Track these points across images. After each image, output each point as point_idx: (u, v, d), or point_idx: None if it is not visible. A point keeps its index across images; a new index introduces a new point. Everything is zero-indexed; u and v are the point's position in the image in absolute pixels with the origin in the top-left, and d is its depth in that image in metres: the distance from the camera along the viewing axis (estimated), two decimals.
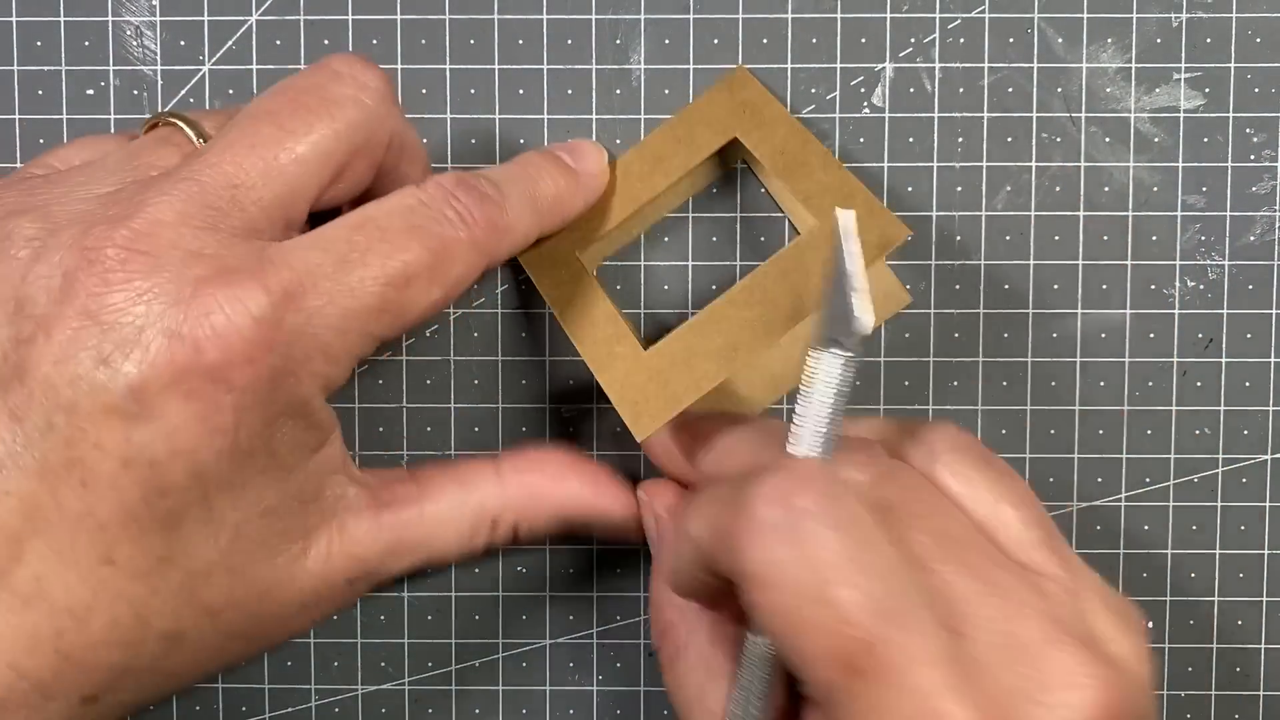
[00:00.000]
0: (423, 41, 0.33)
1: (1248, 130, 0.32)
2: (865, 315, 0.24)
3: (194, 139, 0.27)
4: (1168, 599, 0.33)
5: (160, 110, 0.33)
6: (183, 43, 0.33)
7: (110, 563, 0.24)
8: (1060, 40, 0.32)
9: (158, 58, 0.33)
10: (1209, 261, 0.33)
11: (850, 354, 0.24)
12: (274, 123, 0.26)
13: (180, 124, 0.28)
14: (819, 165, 0.30)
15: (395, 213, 0.26)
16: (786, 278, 0.29)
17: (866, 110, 0.32)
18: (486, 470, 0.30)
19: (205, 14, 0.33)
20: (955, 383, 0.33)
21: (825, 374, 0.25)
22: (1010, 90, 0.32)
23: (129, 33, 0.33)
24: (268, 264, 0.25)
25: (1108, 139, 0.32)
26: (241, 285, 0.24)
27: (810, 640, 0.22)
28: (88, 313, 0.24)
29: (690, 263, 0.33)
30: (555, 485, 0.30)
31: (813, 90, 0.32)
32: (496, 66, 0.33)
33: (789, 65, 0.32)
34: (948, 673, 0.22)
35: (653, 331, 0.33)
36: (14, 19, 0.33)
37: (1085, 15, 0.32)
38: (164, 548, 0.25)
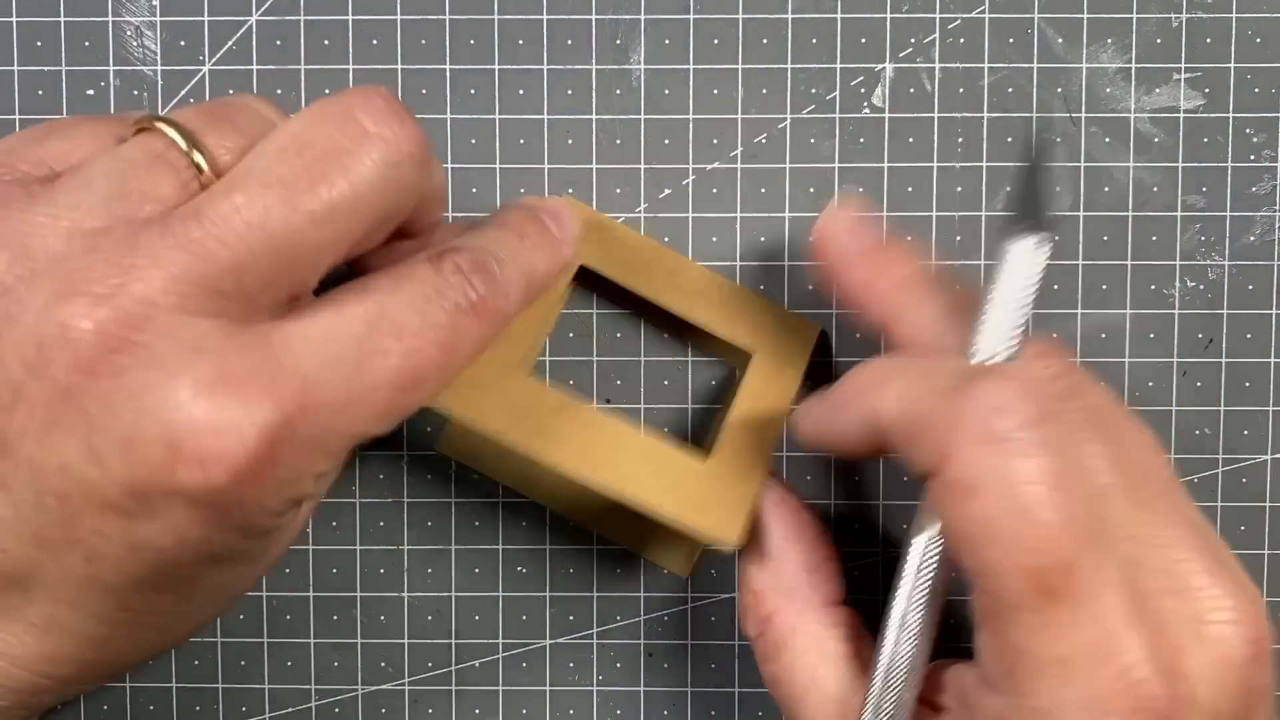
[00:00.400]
0: (423, 41, 0.33)
1: (1248, 130, 0.32)
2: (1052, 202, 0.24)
3: (187, 150, 0.24)
4: None
5: (159, 112, 0.33)
6: (183, 43, 0.33)
7: (126, 609, 0.24)
8: (1060, 40, 0.32)
9: (158, 58, 0.33)
10: (1209, 261, 0.33)
11: (1045, 235, 0.24)
12: (288, 196, 0.23)
13: (175, 135, 0.24)
14: (763, 439, 0.30)
15: (412, 306, 0.24)
16: (655, 462, 0.29)
17: (866, 110, 0.32)
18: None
19: (205, 14, 0.33)
20: None
21: (1020, 265, 0.24)
22: (1010, 90, 0.32)
23: (129, 33, 0.33)
24: (277, 369, 0.22)
25: (1108, 139, 0.32)
26: (250, 399, 0.22)
27: (1007, 554, 0.22)
28: (69, 397, 0.21)
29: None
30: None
31: (813, 90, 0.32)
32: (496, 66, 0.33)
33: (789, 65, 0.32)
34: (1127, 600, 0.22)
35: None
36: (14, 19, 0.33)
37: (1085, 15, 0.32)
38: (174, 603, 0.25)
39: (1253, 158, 0.32)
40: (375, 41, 0.32)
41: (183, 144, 0.24)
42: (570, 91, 0.32)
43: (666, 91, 0.32)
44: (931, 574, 0.25)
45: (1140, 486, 0.24)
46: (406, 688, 0.33)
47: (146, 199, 0.23)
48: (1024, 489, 0.22)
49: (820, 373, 0.32)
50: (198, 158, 0.24)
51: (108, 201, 0.23)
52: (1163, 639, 0.22)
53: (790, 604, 0.28)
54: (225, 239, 0.22)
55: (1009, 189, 0.25)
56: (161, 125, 0.24)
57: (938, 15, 0.32)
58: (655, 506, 0.29)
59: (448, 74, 0.33)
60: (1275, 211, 0.32)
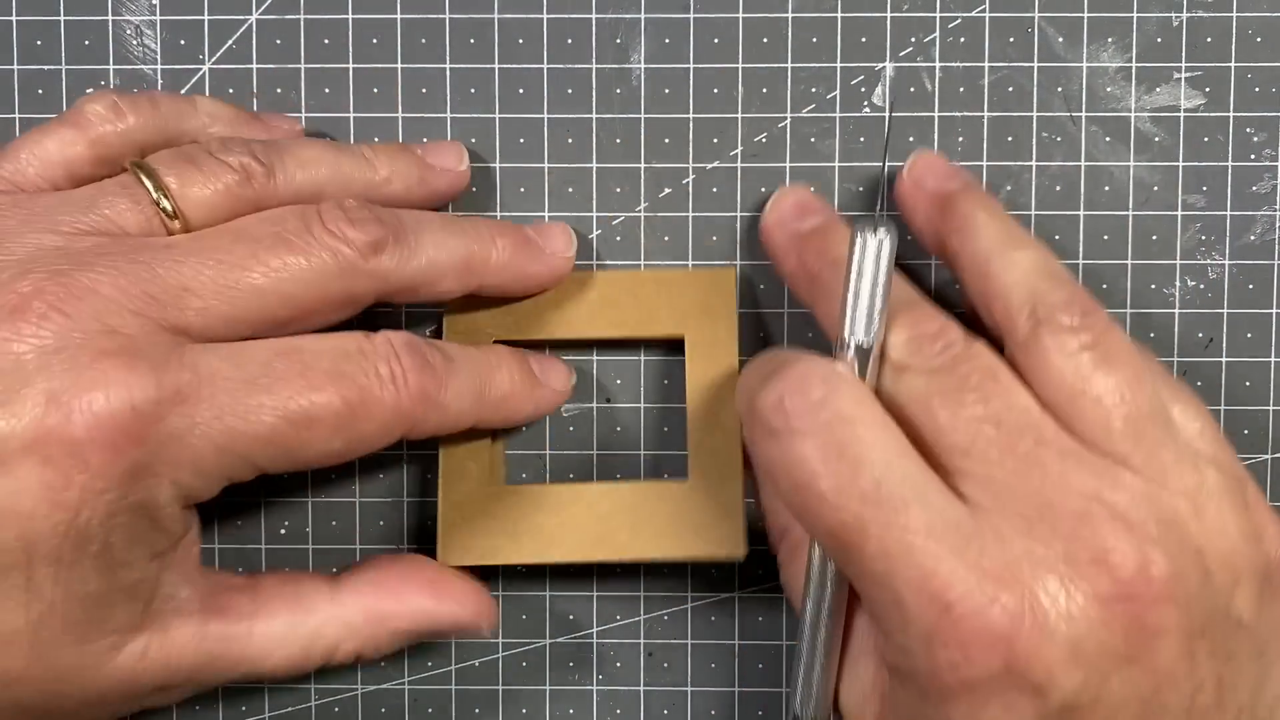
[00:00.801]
0: (423, 41, 0.33)
1: (1248, 130, 0.32)
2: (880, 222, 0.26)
3: (152, 191, 0.27)
4: None
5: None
6: (183, 42, 0.33)
7: None
8: (1060, 40, 0.32)
9: (158, 57, 0.33)
10: (1209, 261, 0.33)
11: (885, 227, 0.26)
12: (250, 249, 0.26)
13: (142, 176, 0.27)
14: (727, 425, 0.31)
15: (326, 353, 0.26)
16: (634, 514, 0.31)
17: (866, 110, 0.32)
18: (323, 592, 0.29)
19: (205, 14, 0.33)
20: None
21: (866, 256, 0.26)
22: (1010, 90, 0.32)
23: (129, 32, 0.33)
24: (174, 359, 0.24)
25: (1108, 139, 0.32)
26: (138, 372, 0.24)
27: (808, 521, 0.25)
28: None
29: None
30: (396, 603, 0.29)
31: (813, 90, 0.32)
32: (496, 66, 0.33)
33: (789, 65, 0.32)
34: (949, 542, 0.23)
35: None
36: (14, 19, 0.33)
37: (1085, 15, 0.32)
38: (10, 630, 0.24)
39: (1253, 157, 0.32)
40: (375, 41, 0.32)
41: (147, 184, 0.27)
42: (570, 91, 0.32)
43: (666, 91, 0.32)
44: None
45: (1012, 437, 0.25)
46: (406, 688, 0.33)
47: (111, 223, 0.26)
48: (797, 468, 0.25)
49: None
50: (165, 203, 0.27)
51: (76, 216, 0.26)
52: (1012, 574, 0.23)
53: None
54: (184, 261, 0.25)
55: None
56: (141, 174, 0.27)
57: (938, 15, 0.32)
58: (662, 556, 0.31)
59: (448, 74, 0.33)
60: (1275, 211, 0.32)
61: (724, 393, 0.31)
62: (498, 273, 0.30)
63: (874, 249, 0.26)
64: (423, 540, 0.33)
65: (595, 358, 0.33)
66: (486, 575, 0.33)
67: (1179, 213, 0.32)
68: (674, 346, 0.33)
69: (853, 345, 0.26)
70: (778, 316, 0.33)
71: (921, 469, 0.25)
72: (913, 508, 0.24)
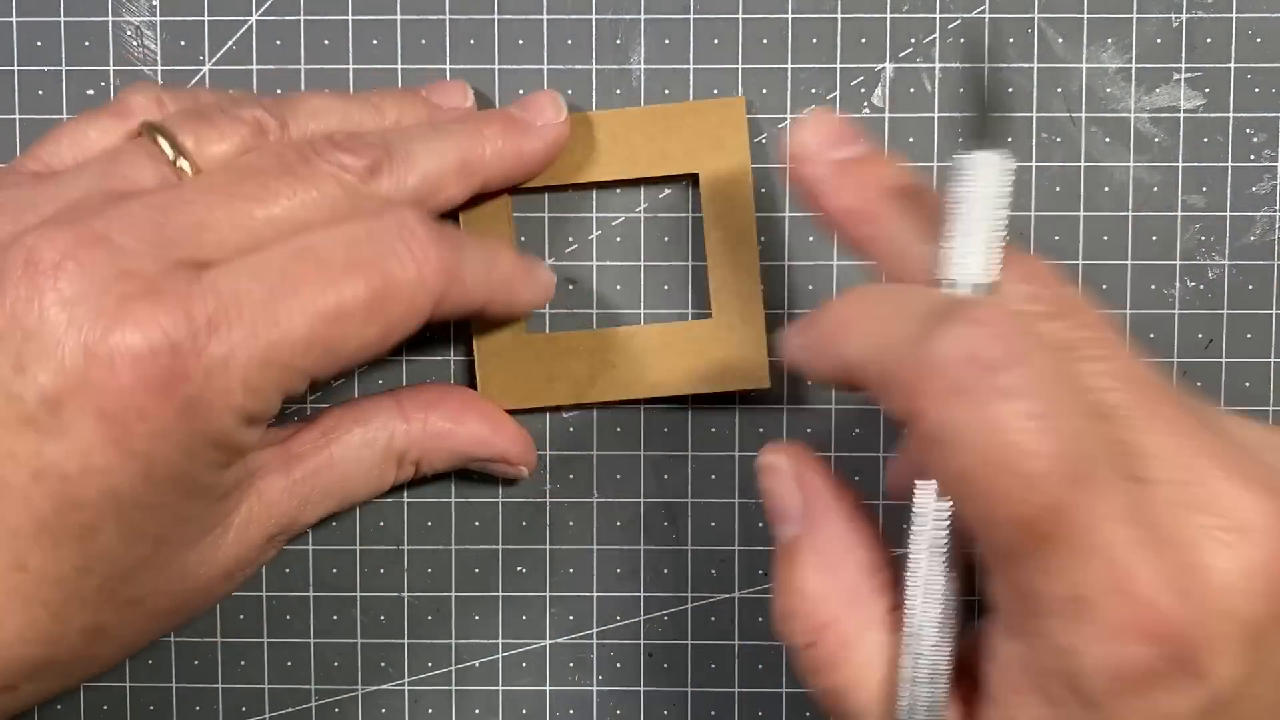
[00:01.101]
0: (423, 41, 0.33)
1: (1248, 130, 0.32)
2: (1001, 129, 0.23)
3: (169, 153, 0.27)
4: None
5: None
6: (183, 43, 0.33)
7: (23, 569, 0.24)
8: (1060, 40, 0.32)
9: (158, 58, 0.33)
10: (1209, 261, 0.33)
11: (1005, 154, 0.23)
12: (259, 181, 0.26)
13: (158, 138, 0.27)
14: (745, 263, 0.32)
15: (339, 243, 0.26)
16: (661, 351, 0.32)
17: (866, 110, 0.32)
18: (389, 407, 0.30)
19: (205, 14, 0.33)
20: None
21: (982, 182, 0.23)
22: (1010, 90, 0.32)
23: (129, 33, 0.33)
24: (196, 289, 0.24)
25: (1108, 139, 0.32)
26: (165, 308, 0.24)
27: (992, 506, 0.21)
28: (14, 315, 0.24)
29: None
30: (456, 423, 0.30)
31: (813, 90, 0.32)
32: (496, 66, 0.33)
33: (789, 65, 0.32)
34: (1133, 528, 0.21)
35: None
36: (14, 19, 0.33)
37: (1085, 15, 0.32)
38: (79, 558, 0.24)
39: (1253, 158, 0.32)
40: (375, 41, 0.32)
41: (164, 145, 0.27)
42: (570, 91, 0.32)
43: (666, 91, 0.32)
44: (946, 524, 0.23)
45: (1151, 401, 0.22)
46: (406, 688, 0.33)
47: (126, 179, 0.26)
48: (997, 439, 0.21)
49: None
50: (183, 164, 0.27)
51: (95, 178, 0.26)
52: (1180, 557, 0.21)
53: (852, 612, 0.25)
54: (195, 199, 0.25)
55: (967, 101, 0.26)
56: (158, 135, 0.27)
57: (938, 15, 0.32)
58: (691, 391, 0.32)
59: (448, 74, 0.33)
60: (1275, 211, 0.32)
61: (743, 230, 0.32)
62: (496, 163, 0.30)
63: (992, 171, 0.23)
64: (423, 540, 0.33)
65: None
66: (488, 574, 0.33)
67: (1179, 213, 0.32)
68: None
69: (968, 286, 0.23)
70: (775, 317, 0.33)
71: (1111, 441, 0.22)
72: (1115, 491, 0.21)
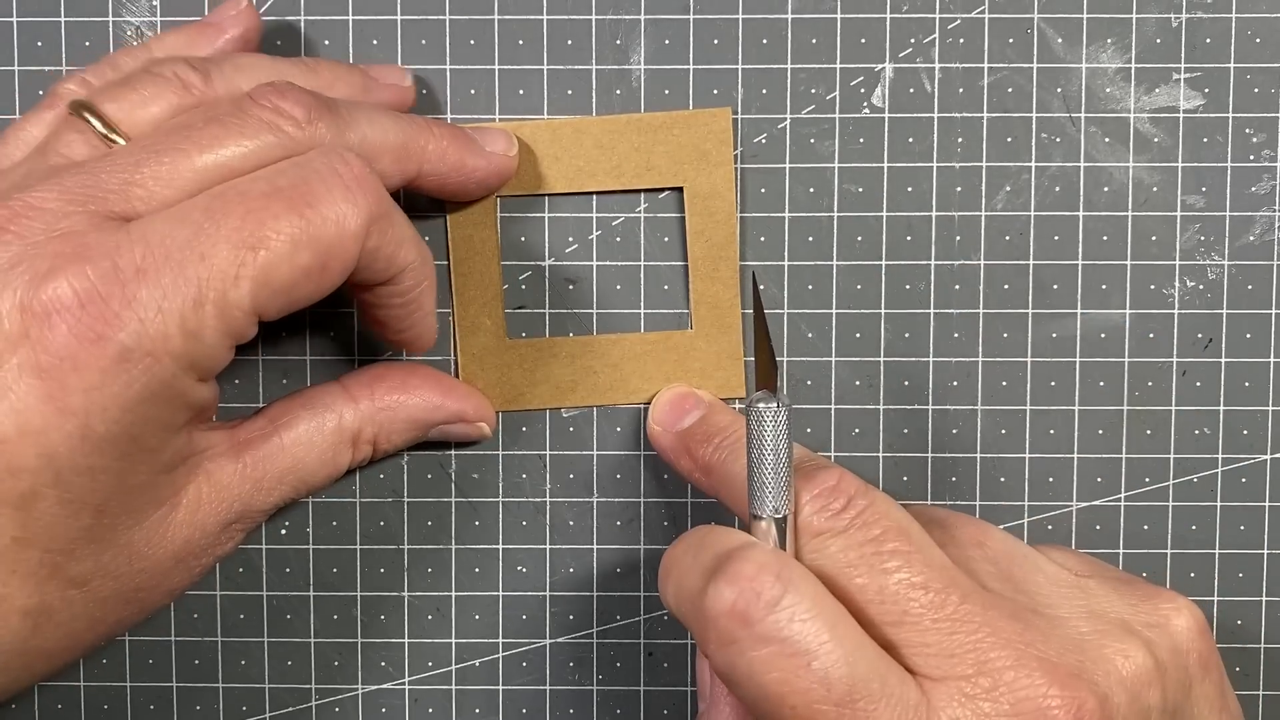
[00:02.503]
0: (423, 41, 0.33)
1: (1247, 130, 0.32)
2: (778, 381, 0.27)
3: (98, 126, 0.27)
4: None
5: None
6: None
7: None
8: (1060, 40, 0.32)
9: None
10: (1209, 261, 0.33)
11: (780, 404, 0.26)
12: (184, 134, 0.26)
13: (85, 115, 0.27)
14: (724, 277, 0.32)
15: (261, 176, 0.26)
16: (642, 358, 0.33)
17: (866, 110, 0.32)
18: (334, 390, 0.30)
19: (205, 14, 0.33)
20: (955, 383, 0.33)
21: (765, 429, 0.26)
22: (1010, 90, 0.32)
23: (129, 33, 0.33)
24: (123, 239, 0.24)
25: (1107, 139, 0.32)
26: (92, 260, 0.24)
27: None
28: None
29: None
30: (405, 393, 0.31)
31: (813, 90, 0.32)
32: (496, 66, 0.33)
33: (789, 65, 0.32)
34: None
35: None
36: (14, 19, 0.33)
37: (1085, 15, 0.32)
38: (17, 527, 0.24)
39: (1252, 158, 0.32)
40: (375, 41, 0.32)
41: (94, 122, 0.27)
42: (570, 91, 0.32)
43: (666, 91, 0.32)
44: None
45: (940, 599, 0.25)
46: (406, 688, 0.33)
47: (58, 155, 0.27)
48: (760, 680, 0.24)
49: None
50: (113, 136, 0.27)
51: (29, 160, 0.27)
52: None
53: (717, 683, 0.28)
54: (123, 161, 0.26)
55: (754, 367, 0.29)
56: (84, 111, 0.27)
57: (938, 15, 0.32)
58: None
59: (448, 74, 0.33)
60: (1275, 211, 0.32)
61: (724, 243, 0.32)
62: (436, 161, 0.29)
63: (771, 419, 0.26)
64: (423, 540, 0.33)
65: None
66: (488, 574, 0.33)
67: (1178, 213, 0.32)
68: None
69: (767, 519, 0.26)
70: (775, 318, 0.33)
71: (879, 656, 0.24)
72: (882, 707, 0.24)
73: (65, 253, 0.24)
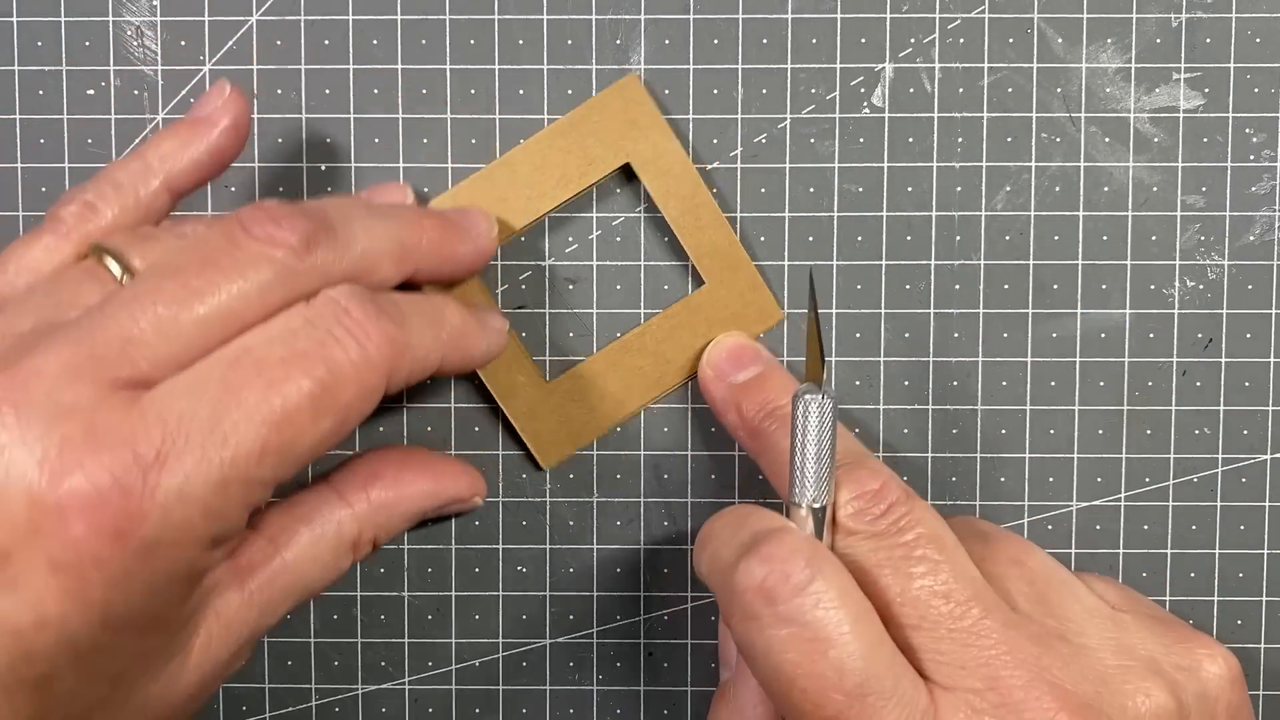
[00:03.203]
0: (423, 41, 0.33)
1: (1247, 130, 0.32)
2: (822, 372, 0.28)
3: (118, 274, 0.26)
4: (1167, 599, 0.33)
5: (161, 111, 0.33)
6: (183, 43, 0.33)
7: None
8: (1060, 40, 0.32)
9: (158, 58, 0.33)
10: (1209, 261, 0.33)
11: (825, 390, 0.26)
12: (179, 280, 0.25)
13: (108, 257, 0.26)
14: (709, 221, 0.32)
15: (275, 340, 0.25)
16: (675, 334, 0.32)
17: (866, 110, 0.32)
18: (328, 496, 0.29)
19: (205, 14, 0.33)
20: (955, 383, 0.33)
21: (810, 419, 0.26)
22: (1010, 90, 0.32)
23: (129, 33, 0.33)
24: (138, 422, 0.23)
25: (1108, 139, 0.32)
26: (108, 448, 0.23)
27: (786, 709, 0.25)
28: None
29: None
30: (399, 488, 0.30)
31: (813, 90, 0.32)
32: (496, 66, 0.33)
33: (789, 65, 0.32)
34: None
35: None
36: (14, 19, 0.33)
37: (1085, 15, 0.32)
38: (33, 707, 0.23)
39: (1252, 158, 0.32)
40: (375, 41, 0.32)
41: (112, 266, 0.26)
42: (570, 91, 0.32)
43: (666, 91, 0.32)
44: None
45: (961, 610, 0.25)
46: (406, 688, 0.33)
47: (73, 305, 0.26)
48: (779, 659, 0.24)
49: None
50: (119, 272, 0.26)
51: (40, 310, 0.26)
52: None
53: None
54: (118, 313, 0.24)
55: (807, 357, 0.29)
56: (105, 256, 0.27)
57: (938, 15, 0.32)
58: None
59: (448, 74, 0.33)
60: (1275, 211, 0.32)
61: (692, 192, 0.32)
62: (429, 255, 0.29)
63: (816, 412, 0.26)
64: (423, 540, 0.33)
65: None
66: (488, 574, 0.33)
67: (1178, 213, 0.32)
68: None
69: (805, 507, 0.26)
70: (783, 319, 0.33)
71: (894, 656, 0.25)
72: (891, 705, 0.24)
73: (74, 437, 0.23)
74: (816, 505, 0.26)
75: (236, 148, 0.29)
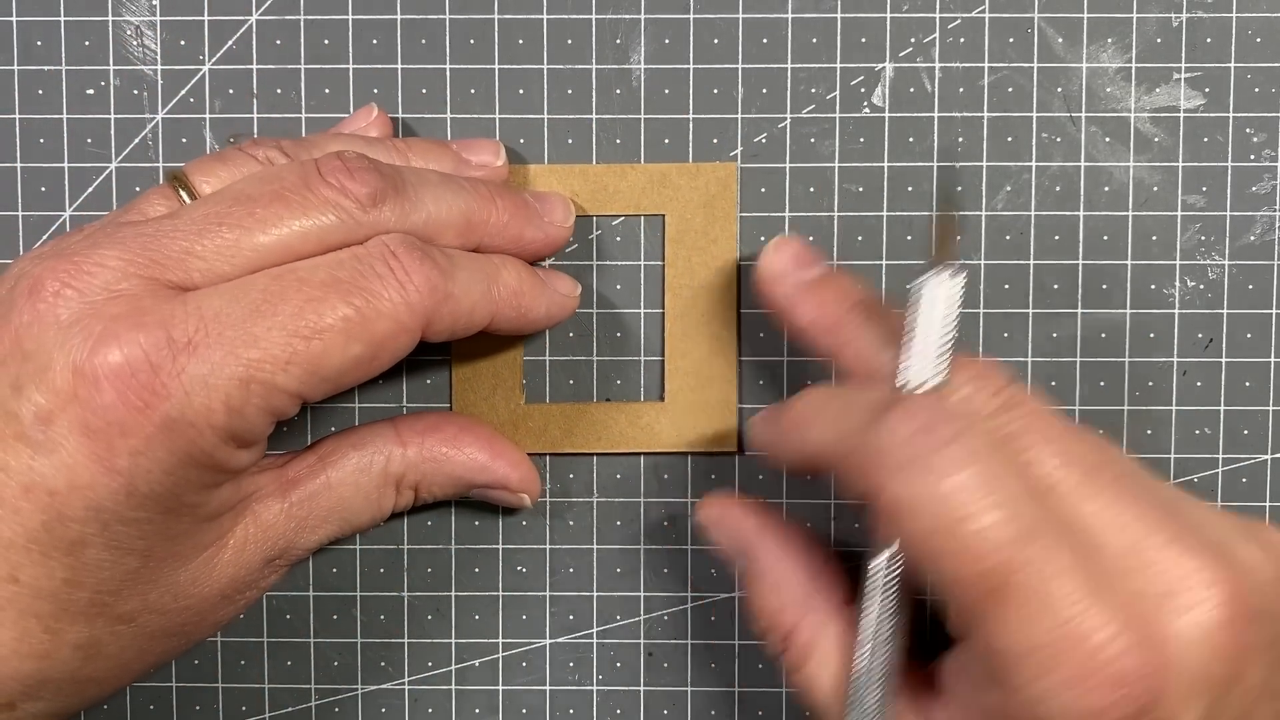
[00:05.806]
0: (423, 41, 0.33)
1: (1248, 130, 0.32)
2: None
3: (185, 197, 0.28)
4: None
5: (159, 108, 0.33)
6: (183, 43, 0.33)
7: (15, 581, 0.25)
8: (1060, 40, 0.32)
9: (158, 58, 0.33)
10: (1209, 261, 0.33)
11: (958, 268, 0.26)
12: (247, 208, 0.26)
13: (177, 187, 0.28)
14: (707, 336, 0.32)
15: (321, 265, 0.26)
16: (641, 421, 0.33)
17: (866, 110, 0.32)
18: (386, 433, 0.30)
19: (205, 14, 0.33)
20: None
21: (936, 295, 0.26)
22: (1010, 90, 0.32)
23: (129, 33, 0.33)
24: (178, 309, 0.25)
25: (1108, 139, 0.32)
26: (146, 329, 0.24)
27: (950, 566, 0.23)
28: (17, 339, 0.25)
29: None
30: (454, 448, 0.31)
31: (813, 90, 0.32)
32: (496, 66, 0.33)
33: (789, 65, 0.32)
34: (1082, 583, 0.23)
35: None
36: (14, 19, 0.33)
37: (1085, 15, 0.32)
38: (68, 571, 0.25)
39: (1253, 157, 0.32)
40: (375, 41, 0.32)
41: (181, 192, 0.28)
42: (570, 91, 0.32)
43: (666, 91, 0.32)
44: (896, 585, 0.26)
45: (1092, 476, 0.25)
46: (406, 688, 0.33)
47: (140, 214, 0.28)
48: (943, 504, 0.23)
49: None
50: (182, 194, 0.28)
51: (115, 214, 0.28)
52: (1135, 613, 0.23)
53: (808, 620, 0.28)
54: (186, 228, 0.26)
55: (931, 234, 0.28)
56: (178, 186, 0.28)
57: (938, 15, 0.32)
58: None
59: (448, 74, 0.33)
60: (1275, 211, 0.32)
61: (723, 290, 0.32)
62: (496, 234, 0.29)
63: (946, 290, 0.26)
64: (423, 540, 0.33)
65: (595, 358, 0.33)
66: (488, 574, 0.33)
67: (1179, 213, 0.32)
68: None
69: (923, 389, 0.26)
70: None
71: (1053, 511, 0.24)
72: (1060, 550, 0.23)
73: (120, 316, 0.25)
74: (931, 384, 0.26)
75: None
